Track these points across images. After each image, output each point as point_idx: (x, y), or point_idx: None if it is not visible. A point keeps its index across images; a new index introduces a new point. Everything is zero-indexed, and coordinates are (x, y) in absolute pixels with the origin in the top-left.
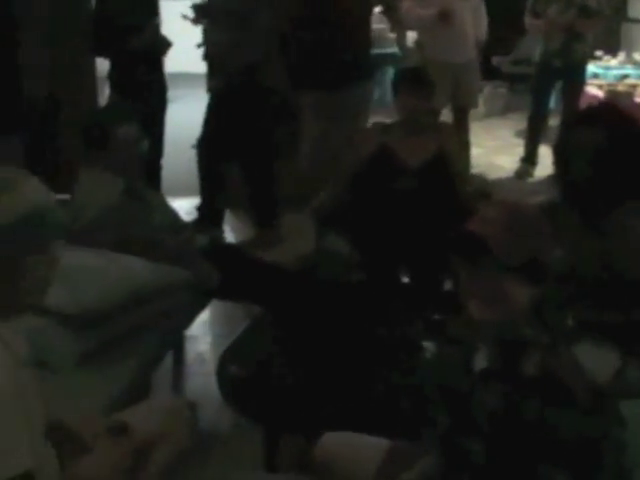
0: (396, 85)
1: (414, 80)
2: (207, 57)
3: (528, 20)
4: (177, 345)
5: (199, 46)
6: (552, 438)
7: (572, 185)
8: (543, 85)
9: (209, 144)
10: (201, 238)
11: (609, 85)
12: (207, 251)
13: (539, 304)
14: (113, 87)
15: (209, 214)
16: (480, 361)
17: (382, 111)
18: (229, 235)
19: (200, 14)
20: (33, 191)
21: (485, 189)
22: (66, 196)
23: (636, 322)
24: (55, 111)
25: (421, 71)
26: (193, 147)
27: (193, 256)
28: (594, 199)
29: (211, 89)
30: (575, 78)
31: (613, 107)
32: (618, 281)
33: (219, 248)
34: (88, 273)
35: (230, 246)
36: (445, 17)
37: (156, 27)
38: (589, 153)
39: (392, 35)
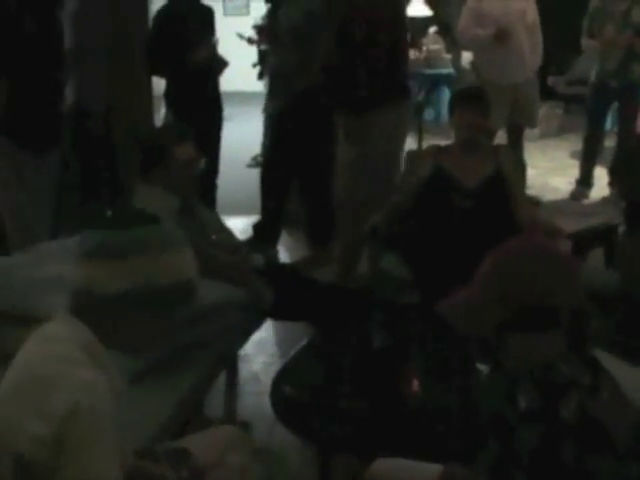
0: (453, 104)
1: (472, 99)
2: (268, 77)
3: (584, 41)
4: (231, 364)
5: (254, 65)
6: None
7: (632, 206)
8: (599, 106)
9: (271, 164)
10: (256, 257)
11: None
12: (262, 270)
13: (580, 342)
14: (169, 106)
15: (266, 232)
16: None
17: (437, 131)
18: (284, 254)
19: (263, 35)
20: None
21: (554, 230)
22: None
23: None
24: (112, 129)
25: (479, 90)
26: (248, 166)
27: (248, 275)
28: None
29: (271, 109)
30: (631, 99)
31: None
32: None
33: (274, 267)
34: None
35: (285, 266)
36: (502, 37)
37: (213, 46)
38: None
39: (447, 56)
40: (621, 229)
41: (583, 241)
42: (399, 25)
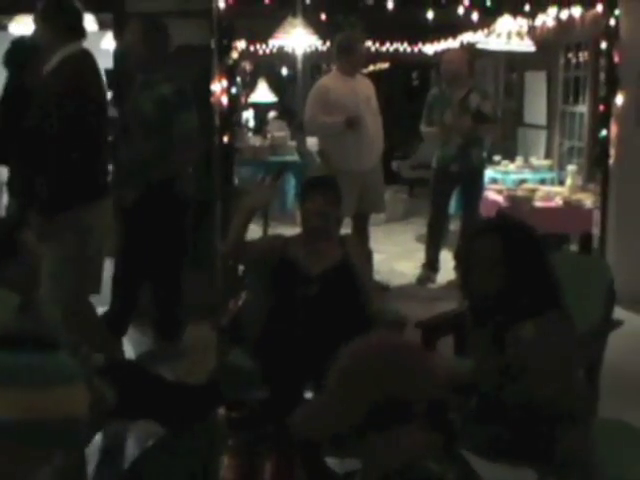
0: (304, 192)
1: (323, 187)
2: (115, 169)
3: (423, 128)
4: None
5: None
6: None
7: (474, 300)
8: (441, 190)
9: (125, 257)
10: (97, 356)
11: (508, 190)
12: (104, 368)
13: (447, 438)
14: (11, 194)
15: (114, 325)
16: None
17: (282, 219)
18: (128, 348)
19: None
20: None
21: (400, 320)
22: None
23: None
24: None
25: (329, 179)
26: None
27: (89, 376)
28: (496, 311)
29: (121, 202)
30: (472, 183)
31: (510, 218)
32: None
33: (116, 365)
34: None
35: (128, 363)
36: (353, 124)
37: None
38: (487, 264)
39: (292, 143)
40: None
41: (432, 329)
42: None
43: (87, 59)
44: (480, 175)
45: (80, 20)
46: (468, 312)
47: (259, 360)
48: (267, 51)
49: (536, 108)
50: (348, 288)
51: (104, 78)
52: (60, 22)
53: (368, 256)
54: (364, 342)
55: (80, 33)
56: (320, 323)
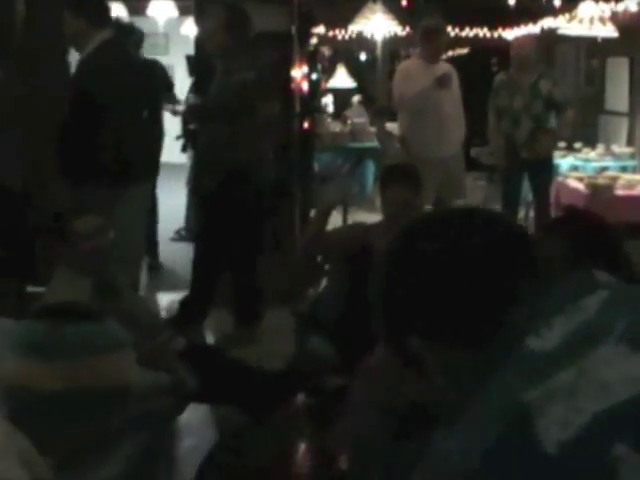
0: (384, 180)
1: (403, 176)
2: (197, 155)
3: (490, 116)
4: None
5: (178, 138)
6: None
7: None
8: (511, 177)
9: (205, 245)
10: (178, 340)
11: (589, 178)
12: (184, 352)
13: None
14: None
15: (195, 310)
16: None
17: (362, 204)
18: (207, 333)
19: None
20: None
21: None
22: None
23: None
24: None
25: (410, 167)
26: (172, 240)
27: (171, 360)
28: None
29: (202, 190)
30: (542, 170)
31: (581, 214)
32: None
33: (197, 349)
34: None
35: (208, 347)
36: (443, 83)
37: None
38: (558, 264)
39: (372, 129)
40: None
41: None
42: None
43: (112, 51)
44: (549, 162)
45: (104, 10)
46: None
47: (338, 347)
48: (346, 36)
49: (618, 95)
50: None
51: (162, 65)
52: (86, 12)
53: None
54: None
55: (105, 22)
56: None
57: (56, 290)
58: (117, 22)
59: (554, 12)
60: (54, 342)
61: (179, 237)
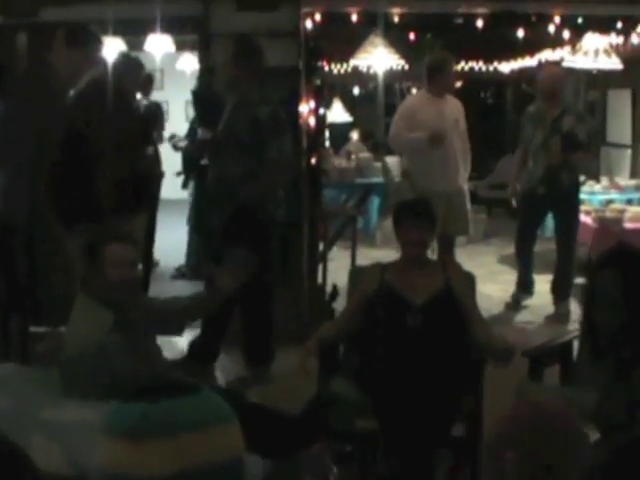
0: (399, 218)
1: (418, 215)
2: (210, 191)
3: (518, 149)
4: None
5: (179, 174)
6: None
7: (598, 330)
8: (527, 212)
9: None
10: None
11: (596, 211)
12: None
13: None
14: None
15: (204, 351)
16: None
17: (366, 240)
18: (218, 374)
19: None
20: None
21: (509, 349)
22: None
23: None
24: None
25: (424, 204)
26: (172, 278)
27: None
28: (620, 346)
29: (210, 226)
30: (565, 207)
31: (630, 248)
32: None
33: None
34: (86, 429)
35: (228, 391)
36: (436, 140)
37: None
38: (610, 299)
39: (377, 164)
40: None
41: (540, 359)
42: None
43: (94, 90)
44: (573, 199)
45: (97, 49)
46: (584, 344)
47: (364, 390)
48: (342, 71)
49: (620, 127)
50: (453, 317)
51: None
52: (82, 50)
53: (471, 281)
54: (520, 409)
55: (94, 61)
56: (425, 353)
57: (77, 323)
58: (127, 55)
59: (557, 44)
60: (157, 420)
61: (179, 274)
